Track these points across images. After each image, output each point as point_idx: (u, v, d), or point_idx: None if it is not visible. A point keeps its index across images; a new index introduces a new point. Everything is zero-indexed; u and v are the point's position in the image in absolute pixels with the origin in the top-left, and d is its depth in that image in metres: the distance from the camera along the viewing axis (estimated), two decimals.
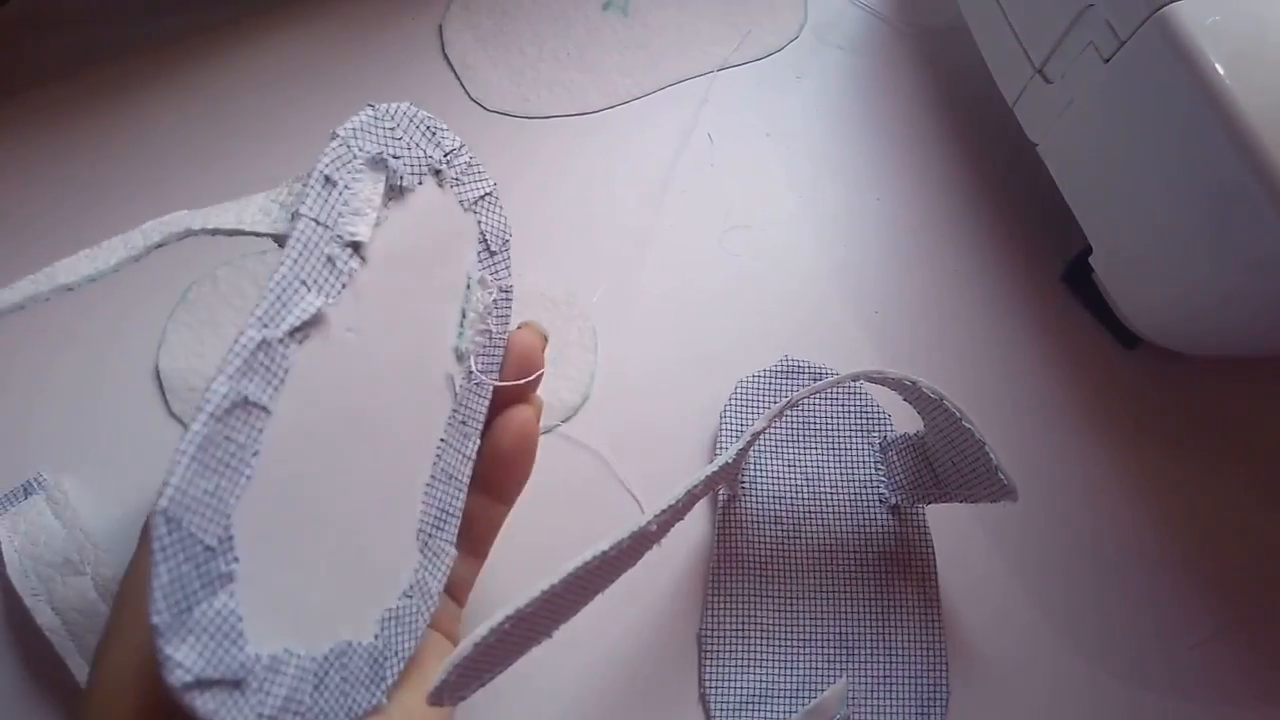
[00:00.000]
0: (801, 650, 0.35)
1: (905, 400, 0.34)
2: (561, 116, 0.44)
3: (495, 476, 0.31)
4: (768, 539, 0.36)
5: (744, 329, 0.41)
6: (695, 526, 0.37)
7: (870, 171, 0.45)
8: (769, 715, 0.34)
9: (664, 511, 0.28)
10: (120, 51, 0.45)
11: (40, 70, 0.44)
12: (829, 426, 0.38)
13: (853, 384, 0.39)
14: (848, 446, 0.38)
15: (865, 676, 0.35)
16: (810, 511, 0.37)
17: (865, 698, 0.34)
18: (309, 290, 0.25)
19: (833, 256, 0.43)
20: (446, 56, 0.45)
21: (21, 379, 0.39)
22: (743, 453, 0.32)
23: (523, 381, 0.31)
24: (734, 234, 0.43)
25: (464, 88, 0.45)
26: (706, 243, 0.42)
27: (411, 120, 0.29)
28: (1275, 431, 0.40)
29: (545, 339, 0.32)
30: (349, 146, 0.26)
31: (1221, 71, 0.30)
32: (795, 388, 0.39)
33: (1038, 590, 0.37)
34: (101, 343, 0.39)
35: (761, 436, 0.37)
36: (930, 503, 0.35)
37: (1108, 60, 0.34)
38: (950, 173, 0.45)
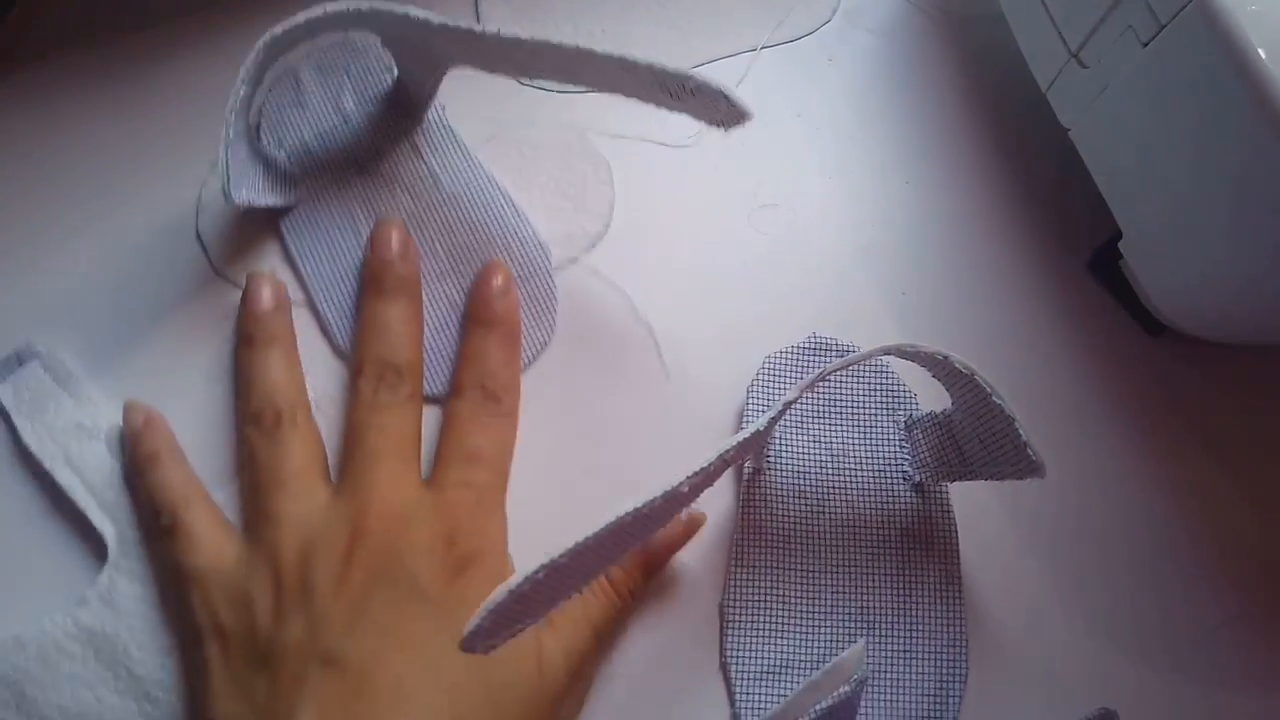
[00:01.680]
0: (822, 623, 0.35)
1: (934, 376, 0.34)
2: (594, 91, 0.44)
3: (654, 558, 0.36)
4: (791, 513, 0.37)
5: (770, 306, 0.41)
6: (720, 499, 0.37)
7: (900, 155, 0.45)
8: (789, 686, 0.34)
9: (696, 474, 0.28)
10: (125, 26, 0.45)
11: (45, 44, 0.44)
12: (854, 404, 0.38)
13: (879, 362, 0.39)
14: (873, 424, 0.38)
15: (885, 650, 0.35)
16: (834, 487, 0.37)
17: (885, 671, 0.35)
18: None
19: (860, 237, 0.43)
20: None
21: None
22: (774, 421, 0.32)
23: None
24: (763, 213, 0.43)
25: None
26: (735, 220, 0.43)
27: None
28: None
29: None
30: None
31: (1264, 56, 0.30)
32: (822, 364, 0.39)
33: (1055, 571, 0.37)
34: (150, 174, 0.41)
35: (787, 413, 0.38)
36: (955, 480, 0.36)
37: (1146, 44, 0.34)
38: (979, 158, 0.45)
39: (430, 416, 0.38)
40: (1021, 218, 0.44)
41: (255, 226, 0.41)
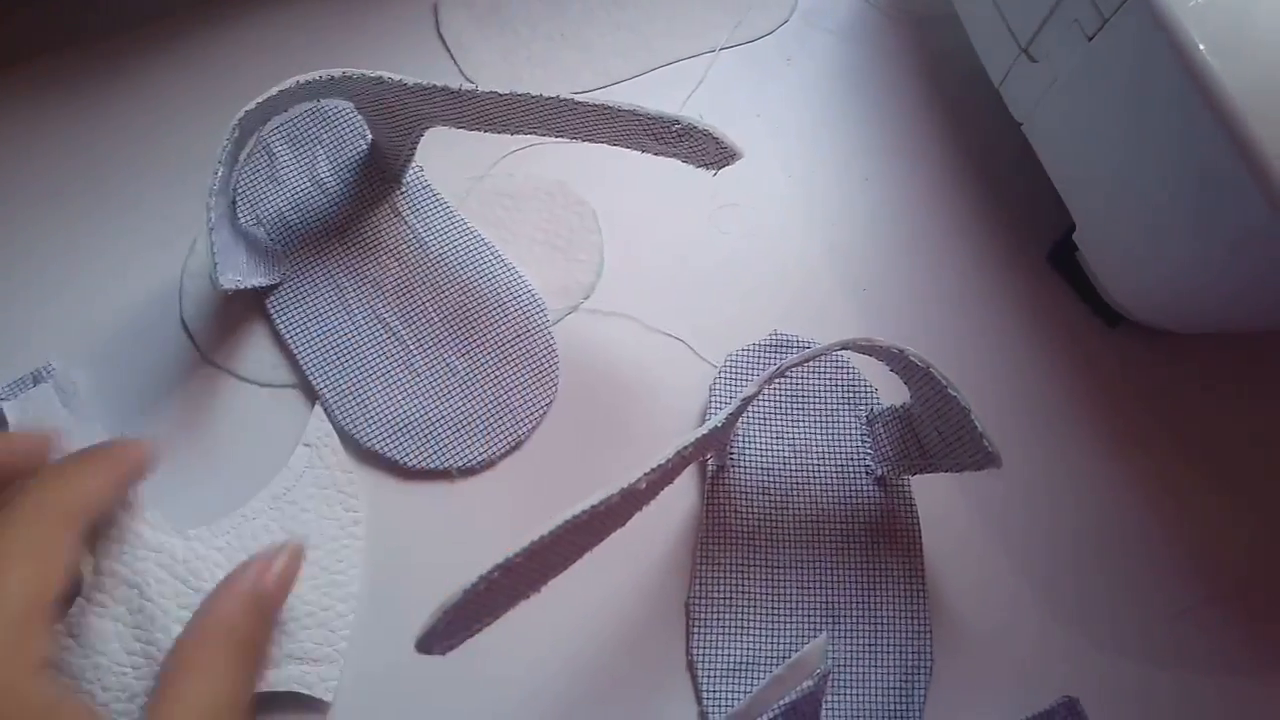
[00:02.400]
0: (788, 619, 0.35)
1: (892, 370, 0.35)
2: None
3: None
4: (755, 510, 0.37)
5: (733, 306, 0.41)
6: (684, 497, 0.37)
7: (859, 152, 0.45)
8: (756, 682, 0.34)
9: (653, 470, 0.28)
10: (112, 28, 0.45)
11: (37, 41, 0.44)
12: (816, 400, 0.39)
13: (840, 358, 0.39)
14: (835, 419, 0.38)
15: (851, 644, 0.35)
16: (797, 483, 0.37)
17: (851, 665, 0.35)
18: None
19: (822, 235, 0.43)
20: (441, 35, 0.46)
21: (43, 273, 0.40)
22: (733, 418, 0.32)
23: None
24: (724, 212, 0.43)
25: (457, 66, 0.45)
26: (698, 221, 0.43)
27: None
28: (1253, 407, 0.41)
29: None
30: None
31: (1203, 49, 0.30)
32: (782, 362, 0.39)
33: (1019, 562, 0.38)
34: (129, 253, 0.40)
35: (749, 410, 0.38)
36: (916, 473, 0.36)
37: (1091, 38, 0.35)
38: (937, 154, 0.45)
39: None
40: (981, 212, 0.44)
41: (241, 307, 0.39)
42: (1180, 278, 0.35)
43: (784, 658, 0.35)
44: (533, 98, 0.33)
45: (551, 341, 0.39)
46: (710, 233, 0.43)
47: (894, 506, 0.37)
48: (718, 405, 0.38)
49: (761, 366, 0.39)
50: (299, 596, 0.34)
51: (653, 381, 0.40)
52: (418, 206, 0.41)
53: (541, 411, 0.38)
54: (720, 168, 0.33)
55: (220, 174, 0.34)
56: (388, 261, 0.40)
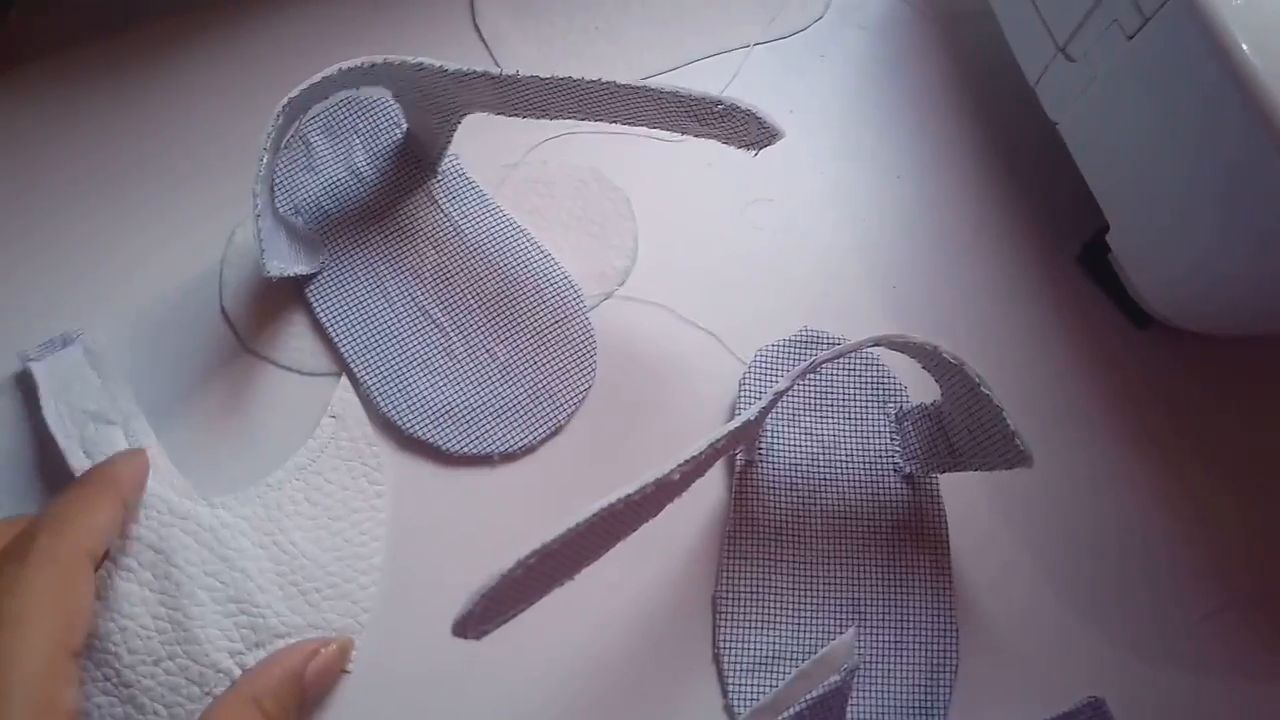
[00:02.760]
0: (814, 615, 0.36)
1: (924, 368, 0.35)
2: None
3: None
4: (783, 505, 0.37)
5: (764, 300, 0.41)
6: (711, 491, 0.38)
7: (891, 150, 0.45)
8: (781, 676, 0.34)
9: (687, 462, 0.28)
10: (144, 17, 0.45)
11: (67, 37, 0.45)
12: (845, 396, 0.39)
13: (870, 355, 0.39)
14: (863, 416, 0.38)
15: (876, 641, 0.35)
16: (825, 479, 0.37)
17: (876, 662, 0.35)
18: None
19: (852, 231, 0.43)
20: (477, 27, 0.46)
21: (84, 253, 0.40)
22: (765, 411, 0.32)
23: None
24: (757, 207, 0.43)
25: (493, 58, 0.45)
26: (730, 215, 0.43)
27: None
28: (1276, 408, 0.40)
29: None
30: None
31: (1246, 49, 0.30)
32: (813, 357, 0.39)
33: (1043, 561, 0.37)
34: (168, 239, 0.41)
35: (779, 405, 0.38)
36: (945, 471, 0.36)
37: (1131, 38, 0.34)
38: (969, 153, 0.45)
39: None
40: (1011, 212, 0.44)
41: (280, 296, 0.40)
42: (1218, 281, 0.35)
43: (810, 653, 0.35)
44: (574, 81, 0.33)
45: (589, 327, 0.39)
46: (742, 227, 0.43)
47: (922, 504, 0.37)
48: (747, 399, 0.38)
49: (791, 362, 0.39)
50: (322, 567, 0.35)
51: (686, 370, 0.40)
52: (454, 194, 0.41)
53: (581, 397, 0.38)
54: (761, 148, 0.33)
55: (265, 161, 0.34)
56: (426, 249, 0.40)
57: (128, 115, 0.43)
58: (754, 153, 0.33)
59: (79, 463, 0.35)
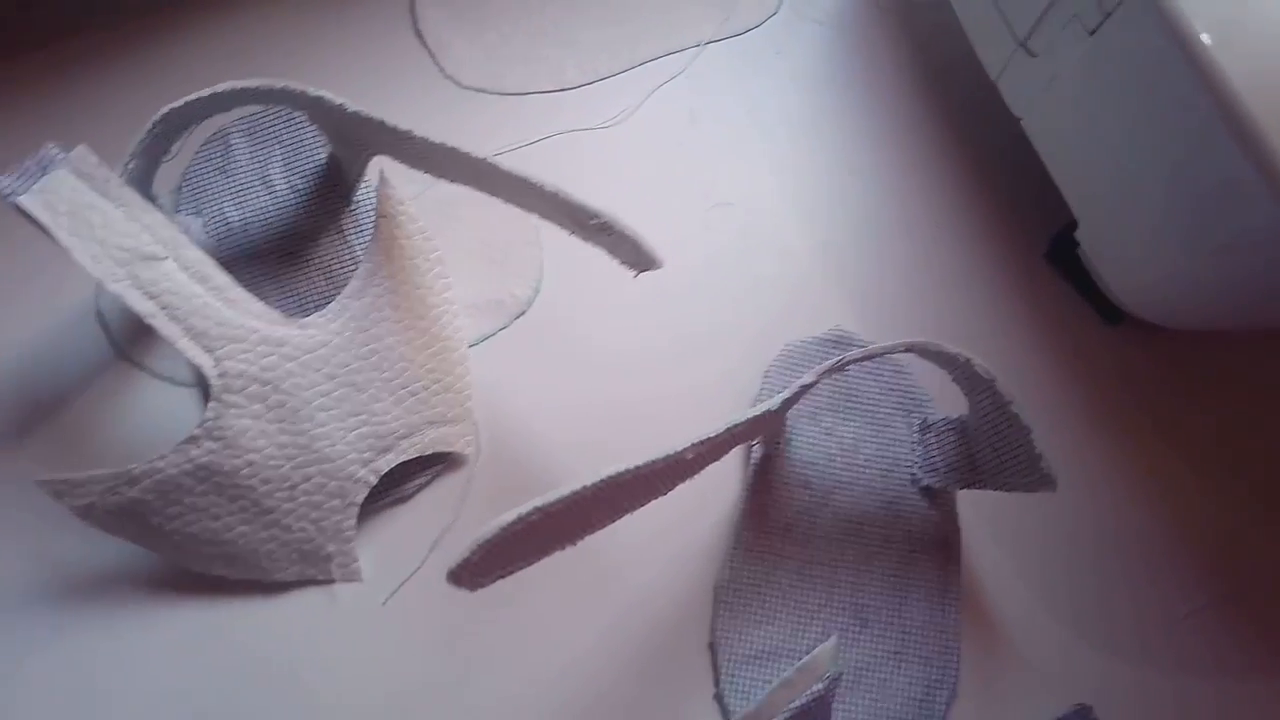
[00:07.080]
0: (816, 615, 0.35)
1: (953, 380, 0.34)
2: (538, 93, 0.43)
3: None
4: (796, 502, 0.36)
5: (728, 305, 0.40)
6: (725, 482, 0.37)
7: (851, 147, 0.44)
8: (776, 672, 0.34)
9: (702, 442, 0.28)
10: (83, 27, 0.44)
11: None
12: (870, 401, 0.38)
13: (898, 363, 0.39)
14: (887, 423, 0.38)
15: (877, 650, 0.35)
16: (841, 481, 0.37)
17: (874, 670, 0.34)
18: None
19: (814, 233, 0.42)
20: (419, 32, 0.44)
21: None
22: (788, 403, 0.32)
23: None
24: (717, 211, 0.42)
25: (437, 64, 0.44)
26: (690, 221, 0.42)
27: None
28: (1251, 404, 0.40)
29: None
30: None
31: (1208, 41, 0.29)
32: (840, 356, 0.39)
33: (1025, 568, 0.37)
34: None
35: (800, 402, 0.37)
36: (964, 487, 0.35)
37: (1092, 32, 0.33)
38: (932, 148, 0.44)
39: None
40: (977, 208, 0.43)
41: None
42: (1184, 272, 0.34)
43: (806, 652, 0.34)
44: (461, 154, 0.32)
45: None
46: (702, 233, 0.42)
47: (937, 518, 0.36)
48: (769, 391, 0.38)
49: (818, 359, 0.38)
50: (421, 366, 0.35)
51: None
52: (363, 228, 0.40)
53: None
54: (641, 271, 0.32)
55: (130, 167, 0.33)
56: (317, 279, 0.39)
57: (35, 118, 0.42)
58: (634, 275, 0.32)
59: (143, 307, 0.31)
